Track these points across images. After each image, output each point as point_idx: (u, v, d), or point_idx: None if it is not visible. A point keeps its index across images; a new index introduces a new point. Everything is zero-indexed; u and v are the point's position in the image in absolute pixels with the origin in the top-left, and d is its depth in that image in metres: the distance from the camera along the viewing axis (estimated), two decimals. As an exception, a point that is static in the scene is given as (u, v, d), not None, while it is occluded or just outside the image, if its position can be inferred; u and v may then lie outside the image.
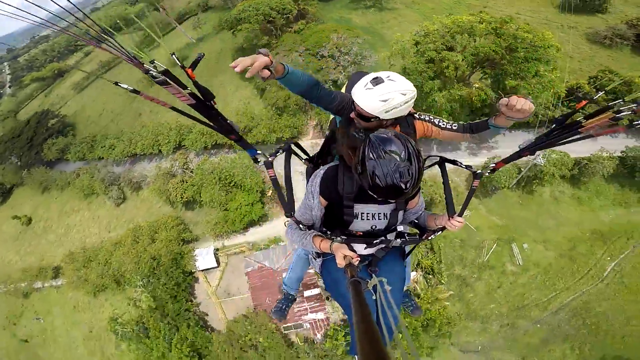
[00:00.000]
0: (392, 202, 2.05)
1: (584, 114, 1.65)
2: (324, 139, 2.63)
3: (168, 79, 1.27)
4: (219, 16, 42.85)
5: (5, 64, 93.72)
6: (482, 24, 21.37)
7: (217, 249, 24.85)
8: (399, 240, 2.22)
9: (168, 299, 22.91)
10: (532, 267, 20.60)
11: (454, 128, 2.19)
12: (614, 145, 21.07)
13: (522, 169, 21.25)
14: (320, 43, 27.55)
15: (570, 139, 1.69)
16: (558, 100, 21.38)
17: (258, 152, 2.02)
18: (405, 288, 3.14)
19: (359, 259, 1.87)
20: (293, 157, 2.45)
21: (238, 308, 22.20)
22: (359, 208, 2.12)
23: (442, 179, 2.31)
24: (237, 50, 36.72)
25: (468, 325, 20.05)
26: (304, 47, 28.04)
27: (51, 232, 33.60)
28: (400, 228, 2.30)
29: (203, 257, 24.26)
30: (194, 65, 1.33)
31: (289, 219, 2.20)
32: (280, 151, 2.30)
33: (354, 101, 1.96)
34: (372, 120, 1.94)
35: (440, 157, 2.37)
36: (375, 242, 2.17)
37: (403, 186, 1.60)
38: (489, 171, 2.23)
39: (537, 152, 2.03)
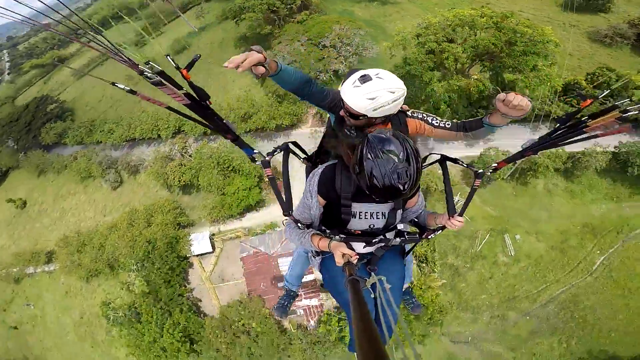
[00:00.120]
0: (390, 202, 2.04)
1: (583, 115, 1.59)
2: (321, 137, 2.63)
3: (163, 80, 1.27)
4: (222, 6, 42.87)
5: (5, 51, 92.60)
6: (483, 17, 21.60)
7: (213, 234, 24.81)
8: (398, 239, 2.20)
9: (162, 283, 22.69)
10: (524, 258, 20.79)
11: (448, 126, 2.16)
12: (608, 140, 21.18)
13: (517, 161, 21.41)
14: (323, 33, 27.66)
15: (574, 139, 1.65)
16: (555, 95, 21.64)
17: (255, 151, 2.02)
18: (406, 286, 3.18)
19: (357, 257, 1.85)
20: (293, 157, 2.43)
21: (232, 294, 22.09)
22: (356, 207, 2.09)
23: (443, 178, 2.28)
24: (239, 39, 36.74)
25: (459, 316, 20.16)
26: (306, 37, 28.13)
27: (46, 215, 33.23)
28: (400, 227, 2.26)
29: (198, 241, 24.19)
30: (189, 66, 1.33)
31: (287, 217, 2.19)
32: (278, 150, 2.28)
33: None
34: (360, 118, 1.91)
35: (442, 155, 2.30)
36: (374, 240, 2.15)
37: (401, 187, 1.58)
38: (490, 170, 2.20)
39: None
